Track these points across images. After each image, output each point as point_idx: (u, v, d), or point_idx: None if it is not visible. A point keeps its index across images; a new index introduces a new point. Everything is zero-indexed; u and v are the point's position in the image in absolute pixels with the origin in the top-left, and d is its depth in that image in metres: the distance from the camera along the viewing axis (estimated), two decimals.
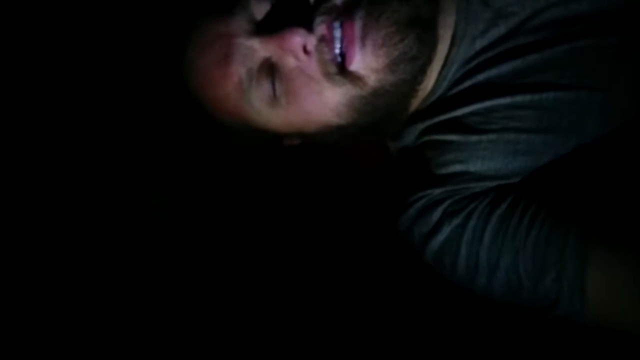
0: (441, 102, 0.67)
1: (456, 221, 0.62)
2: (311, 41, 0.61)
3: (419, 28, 0.62)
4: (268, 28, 0.62)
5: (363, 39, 0.61)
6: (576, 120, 0.61)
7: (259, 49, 0.62)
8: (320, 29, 0.60)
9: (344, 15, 0.60)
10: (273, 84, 0.63)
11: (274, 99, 0.64)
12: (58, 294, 0.85)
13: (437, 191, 0.64)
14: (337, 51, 0.61)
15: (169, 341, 0.85)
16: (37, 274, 0.86)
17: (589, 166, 0.61)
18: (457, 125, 0.65)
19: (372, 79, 0.62)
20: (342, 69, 0.61)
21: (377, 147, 0.80)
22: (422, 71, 0.65)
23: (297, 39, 0.60)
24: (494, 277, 0.61)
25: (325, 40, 0.61)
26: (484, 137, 0.63)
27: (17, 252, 0.86)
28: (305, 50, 0.61)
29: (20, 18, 0.88)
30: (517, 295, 0.60)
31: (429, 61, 0.65)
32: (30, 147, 0.89)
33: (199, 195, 0.90)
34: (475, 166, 0.64)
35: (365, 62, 0.61)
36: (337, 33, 0.61)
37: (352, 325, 0.83)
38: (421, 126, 0.69)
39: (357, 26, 0.60)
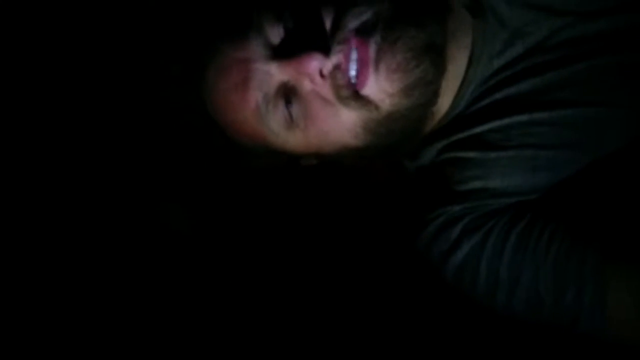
0: (460, 120, 0.68)
1: (476, 238, 0.62)
2: (327, 66, 0.61)
3: (434, 53, 0.63)
4: (285, 53, 0.62)
5: (377, 62, 0.61)
6: (595, 137, 0.62)
7: (276, 73, 0.63)
8: (338, 57, 0.61)
9: (359, 39, 0.61)
10: (290, 107, 0.64)
11: (290, 122, 0.65)
12: (76, 309, 0.86)
13: (456, 208, 0.64)
14: (353, 73, 0.62)
15: (187, 354, 0.85)
16: (55, 289, 0.86)
17: (608, 182, 0.61)
18: (476, 143, 0.66)
19: (386, 103, 0.63)
20: (355, 93, 0.62)
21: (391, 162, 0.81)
22: (436, 94, 0.65)
23: (314, 63, 0.60)
24: (514, 294, 0.60)
25: (340, 68, 0.61)
26: (503, 154, 0.64)
27: (37, 264, 0.87)
28: (321, 74, 0.62)
29: (36, 32, 0.90)
30: (538, 312, 0.60)
31: (440, 84, 0.65)
32: (51, 160, 0.90)
33: (216, 210, 0.91)
34: (494, 183, 0.64)
35: (379, 86, 0.62)
36: (354, 55, 0.61)
37: (362, 333, 0.83)
38: (439, 144, 0.69)
39: (372, 50, 0.61)
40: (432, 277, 0.66)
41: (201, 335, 0.86)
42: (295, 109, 0.64)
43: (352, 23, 0.62)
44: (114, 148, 0.89)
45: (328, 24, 0.62)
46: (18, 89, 0.89)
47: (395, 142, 0.67)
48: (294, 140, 0.67)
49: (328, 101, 0.63)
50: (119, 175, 0.89)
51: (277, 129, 0.66)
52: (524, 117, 0.63)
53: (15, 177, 0.88)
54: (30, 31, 0.89)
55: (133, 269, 0.88)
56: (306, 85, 0.63)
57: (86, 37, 0.89)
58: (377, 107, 0.63)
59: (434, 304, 0.76)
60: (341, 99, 0.62)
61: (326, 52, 0.61)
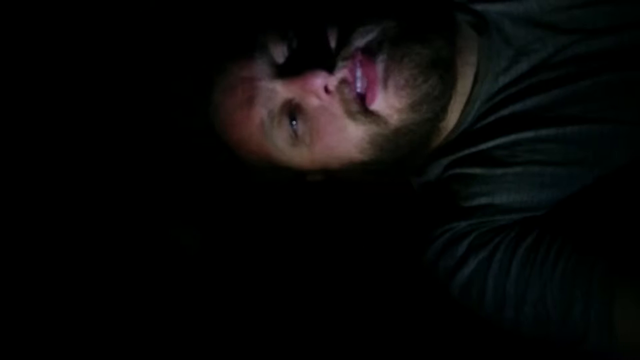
0: (466, 137, 0.68)
1: (482, 254, 0.62)
2: (332, 82, 0.62)
3: (441, 69, 0.64)
4: (290, 71, 0.63)
5: (385, 80, 0.62)
6: (601, 153, 0.62)
7: (281, 91, 0.64)
8: (342, 72, 0.62)
9: (365, 58, 0.62)
10: (294, 125, 0.64)
11: (295, 138, 0.65)
12: (86, 324, 0.86)
13: (462, 224, 0.64)
14: (359, 90, 0.62)
15: None
16: (67, 307, 0.87)
17: (614, 198, 0.61)
18: (482, 159, 0.66)
19: (394, 118, 0.63)
20: (363, 108, 0.62)
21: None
22: (444, 110, 0.66)
23: (319, 80, 0.61)
24: (521, 310, 0.60)
25: (346, 82, 0.62)
26: (510, 170, 0.64)
27: (49, 287, 0.87)
28: (326, 90, 0.62)
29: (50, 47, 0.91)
30: (545, 329, 0.60)
31: (449, 100, 0.66)
32: (63, 176, 0.91)
33: (225, 227, 0.92)
34: (500, 199, 0.64)
35: (388, 102, 0.62)
36: (358, 73, 0.62)
37: (371, 347, 0.83)
38: (446, 161, 0.69)
39: (379, 68, 0.62)
40: (438, 292, 0.66)
41: (212, 352, 0.87)
42: (300, 126, 0.64)
43: (358, 41, 0.63)
44: (125, 166, 0.90)
45: (333, 42, 0.63)
46: (27, 99, 0.91)
47: (402, 157, 0.67)
48: (299, 156, 0.67)
49: (336, 116, 0.63)
50: (129, 192, 0.90)
51: (282, 146, 0.66)
52: (529, 134, 0.64)
53: (26, 189, 0.89)
54: (39, 45, 0.91)
55: (143, 286, 0.89)
56: (312, 102, 0.63)
57: (97, 59, 0.90)
58: (385, 122, 0.63)
59: (440, 319, 0.76)
60: (350, 114, 0.63)
61: (330, 69, 0.62)
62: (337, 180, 0.74)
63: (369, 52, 0.62)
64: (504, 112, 0.66)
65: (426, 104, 0.63)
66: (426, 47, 0.63)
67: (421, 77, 0.62)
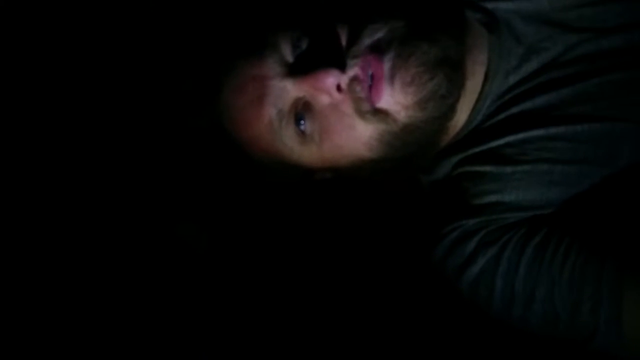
0: (475, 134, 0.68)
1: (491, 252, 0.62)
2: (344, 80, 0.62)
3: (448, 68, 0.64)
4: (301, 69, 0.63)
5: (392, 77, 0.62)
6: (610, 152, 0.62)
7: (292, 89, 0.64)
8: (354, 70, 0.62)
9: (374, 55, 0.62)
10: (301, 124, 0.65)
11: (304, 137, 0.65)
12: (91, 327, 0.86)
13: (471, 222, 0.64)
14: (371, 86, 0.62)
15: None
16: (72, 310, 0.87)
17: (623, 196, 0.61)
18: (492, 157, 0.66)
19: (402, 115, 0.63)
20: (373, 107, 0.63)
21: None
22: (452, 108, 0.66)
23: (331, 78, 0.61)
24: (530, 308, 0.60)
25: (358, 80, 0.62)
26: (519, 168, 0.64)
27: (56, 286, 0.88)
28: (338, 89, 0.62)
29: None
30: (554, 327, 0.60)
31: (457, 99, 0.66)
32: (69, 178, 0.91)
33: (233, 229, 0.92)
34: (510, 197, 0.64)
35: (395, 98, 0.63)
36: (369, 70, 0.62)
37: (379, 345, 0.83)
38: (455, 158, 0.69)
39: (386, 66, 0.62)
40: (447, 290, 0.66)
41: (219, 351, 0.87)
42: (308, 124, 0.65)
43: (367, 39, 0.63)
44: (132, 165, 0.90)
45: (343, 40, 0.63)
46: (30, 99, 0.91)
47: (411, 156, 0.67)
48: (308, 154, 0.67)
49: (346, 114, 0.64)
50: (136, 192, 0.90)
51: (291, 144, 0.66)
52: (539, 132, 0.64)
53: (33, 192, 0.90)
54: (49, 47, 0.91)
55: (150, 285, 0.89)
56: (323, 100, 0.63)
57: (108, 58, 0.90)
58: (394, 120, 0.63)
59: (448, 316, 0.76)
60: (360, 113, 0.63)
61: (342, 67, 0.62)
62: (346, 178, 0.74)
63: (378, 50, 0.62)
64: (514, 110, 0.66)
65: (433, 102, 0.63)
66: (434, 46, 0.63)
67: (427, 75, 0.62)
